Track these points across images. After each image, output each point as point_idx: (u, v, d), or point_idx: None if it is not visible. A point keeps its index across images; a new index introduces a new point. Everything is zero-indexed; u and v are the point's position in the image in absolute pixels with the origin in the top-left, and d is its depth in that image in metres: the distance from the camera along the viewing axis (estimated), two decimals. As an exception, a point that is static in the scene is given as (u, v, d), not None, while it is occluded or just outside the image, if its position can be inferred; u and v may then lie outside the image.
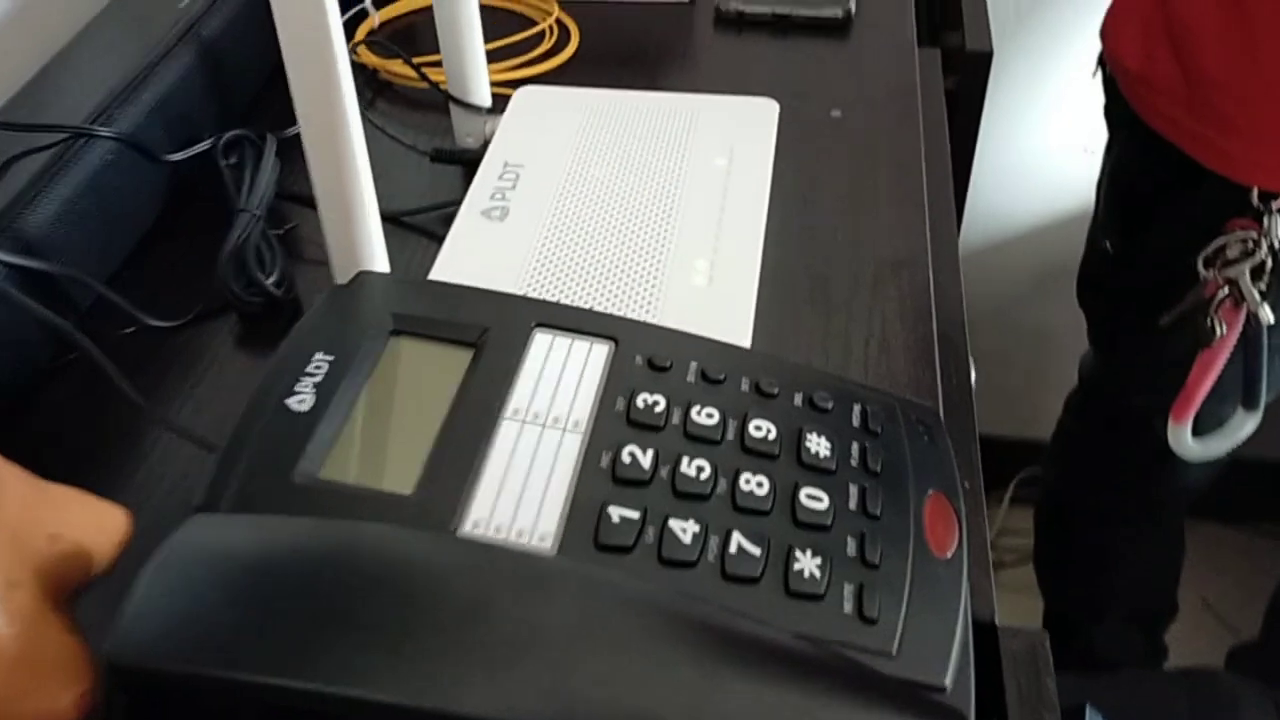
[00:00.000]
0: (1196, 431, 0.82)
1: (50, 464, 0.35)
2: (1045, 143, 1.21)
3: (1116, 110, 0.84)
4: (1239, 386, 0.79)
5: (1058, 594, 1.15)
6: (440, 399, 0.38)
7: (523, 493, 0.36)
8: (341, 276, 0.46)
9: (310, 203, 0.46)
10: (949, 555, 0.37)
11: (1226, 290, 0.75)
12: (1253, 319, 0.75)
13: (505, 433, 0.37)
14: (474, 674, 0.29)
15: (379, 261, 0.46)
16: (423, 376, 0.40)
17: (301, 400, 0.38)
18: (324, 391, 0.38)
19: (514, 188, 0.54)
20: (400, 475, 0.36)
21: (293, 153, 0.56)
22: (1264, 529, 1.46)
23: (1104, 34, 0.84)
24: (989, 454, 1.50)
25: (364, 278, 0.43)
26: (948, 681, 0.33)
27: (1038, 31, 1.15)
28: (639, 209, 0.52)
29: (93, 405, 0.47)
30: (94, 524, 0.35)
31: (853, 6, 0.71)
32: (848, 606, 0.34)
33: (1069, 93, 1.16)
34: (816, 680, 0.32)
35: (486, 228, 0.51)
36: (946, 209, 0.59)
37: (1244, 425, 0.81)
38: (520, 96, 0.60)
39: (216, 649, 0.29)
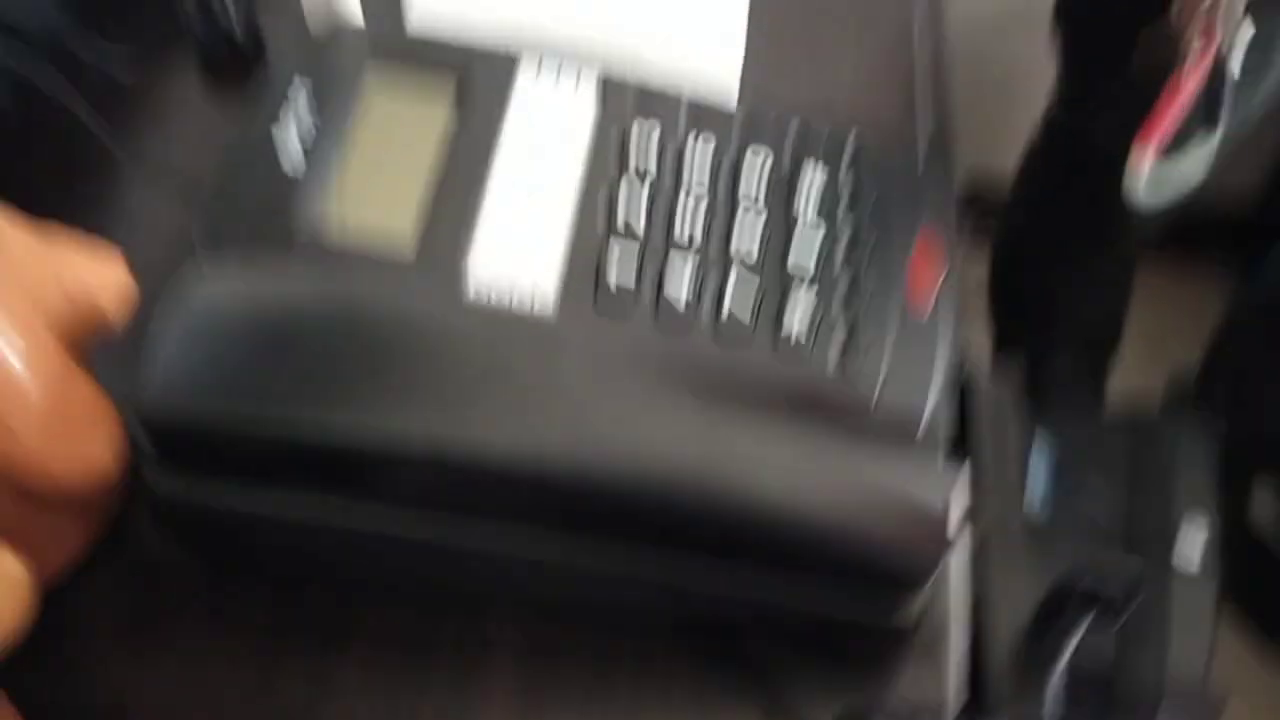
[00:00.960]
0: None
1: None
2: None
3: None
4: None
5: (1009, 327, 1.20)
6: (425, 151, 0.38)
7: (519, 251, 0.36)
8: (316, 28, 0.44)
9: None
10: (934, 299, 0.38)
11: (1208, 3, 0.74)
12: (1228, 37, 0.75)
13: (496, 187, 0.37)
14: (498, 417, 0.31)
15: (353, 13, 0.45)
16: (405, 127, 0.39)
17: (286, 149, 0.37)
18: (309, 143, 0.37)
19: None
20: (398, 236, 0.36)
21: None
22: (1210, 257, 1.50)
23: None
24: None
25: (336, 32, 0.42)
26: (920, 433, 0.35)
27: None
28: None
29: (61, 151, 0.46)
30: (97, 275, 0.35)
31: None
32: (832, 361, 0.36)
33: None
34: (803, 424, 0.34)
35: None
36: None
37: (1204, 145, 0.82)
38: None
39: (247, 393, 0.30)
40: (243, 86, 0.45)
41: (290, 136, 0.37)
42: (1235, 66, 0.76)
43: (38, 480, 0.32)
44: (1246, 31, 0.73)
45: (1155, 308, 1.37)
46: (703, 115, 0.39)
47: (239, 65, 0.50)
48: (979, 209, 1.47)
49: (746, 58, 0.47)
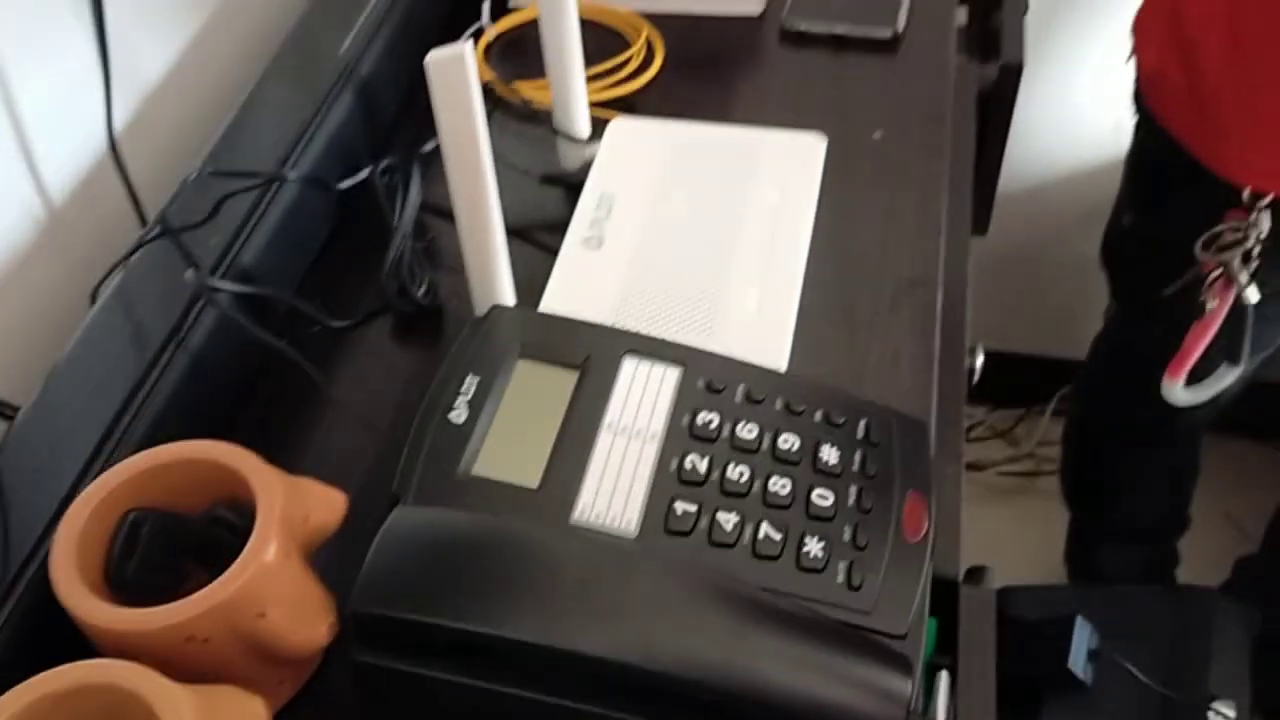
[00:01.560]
0: (1190, 380, 0.94)
1: (265, 446, 0.51)
2: (1083, 113, 1.30)
3: (1139, 100, 0.94)
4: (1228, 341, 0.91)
5: (1078, 509, 1.30)
6: (555, 413, 0.54)
7: (615, 488, 0.51)
8: (480, 307, 0.61)
9: (444, 213, 0.60)
10: (920, 538, 0.52)
11: (1220, 271, 0.87)
12: (1240, 296, 0.87)
13: (602, 442, 0.53)
14: (587, 623, 0.45)
15: (507, 295, 0.61)
16: (543, 394, 0.55)
17: (458, 414, 0.53)
18: (474, 407, 0.54)
19: (608, 217, 0.68)
20: (530, 472, 0.51)
21: (430, 168, 0.71)
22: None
23: (1133, 29, 0.93)
24: (1033, 372, 1.68)
25: (497, 312, 0.58)
26: (906, 630, 0.49)
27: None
28: (705, 240, 0.66)
29: (290, 393, 0.63)
30: (325, 504, 0.51)
31: (901, 27, 0.82)
32: (840, 578, 0.49)
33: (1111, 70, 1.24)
34: (814, 630, 0.48)
35: (585, 255, 0.66)
36: (962, 234, 0.71)
37: (1226, 377, 0.93)
38: (614, 128, 0.73)
39: (422, 600, 0.45)
40: (426, 336, 0.63)
41: (462, 411, 0.53)
42: (1252, 310, 0.88)
43: (279, 648, 0.47)
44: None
45: (1225, 486, 1.44)
46: (752, 402, 0.54)
47: (424, 319, 0.67)
48: (1060, 380, 1.58)
49: (796, 332, 0.62)
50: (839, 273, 0.67)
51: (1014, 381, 1.44)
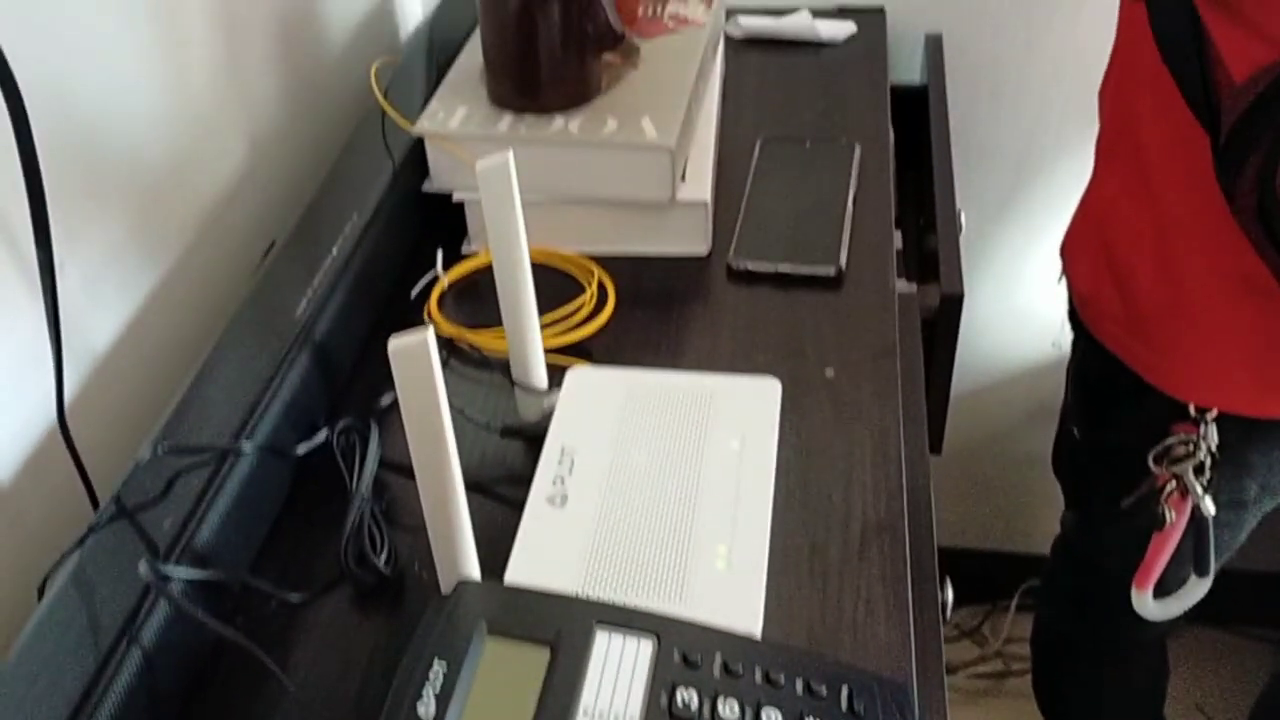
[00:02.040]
0: (1158, 591, 0.94)
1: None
2: (1022, 325, 1.35)
3: (1075, 318, 0.98)
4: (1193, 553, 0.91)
5: (1052, 716, 1.27)
6: (528, 700, 0.52)
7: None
8: (444, 580, 0.59)
9: (403, 470, 0.59)
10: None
11: (1174, 484, 0.88)
12: (1197, 508, 0.88)
13: (580, 716, 0.50)
14: None
15: (472, 566, 0.60)
16: (514, 678, 0.53)
17: (426, 707, 0.51)
18: (442, 698, 0.51)
19: (570, 473, 0.67)
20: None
21: (387, 423, 0.71)
22: (1253, 633, 1.56)
23: (1062, 253, 0.97)
24: (996, 568, 1.67)
25: (461, 588, 0.57)
26: None
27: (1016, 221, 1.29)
28: (669, 495, 0.65)
29: (246, 680, 0.60)
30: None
31: (843, 264, 0.85)
32: None
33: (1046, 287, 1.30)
34: None
35: (549, 514, 0.65)
36: (922, 467, 0.72)
37: (1197, 589, 0.93)
38: (571, 379, 0.74)
39: None
40: (388, 606, 0.61)
41: (429, 704, 0.50)
42: (1211, 522, 0.88)
43: None
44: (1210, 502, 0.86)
45: (1195, 677, 1.43)
46: (731, 675, 0.53)
47: (384, 589, 0.65)
48: (1022, 575, 1.57)
49: (768, 587, 0.61)
50: (805, 520, 0.67)
51: (977, 577, 1.43)
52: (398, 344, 0.51)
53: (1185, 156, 0.77)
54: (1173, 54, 0.76)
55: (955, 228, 0.96)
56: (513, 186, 0.63)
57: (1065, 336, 1.02)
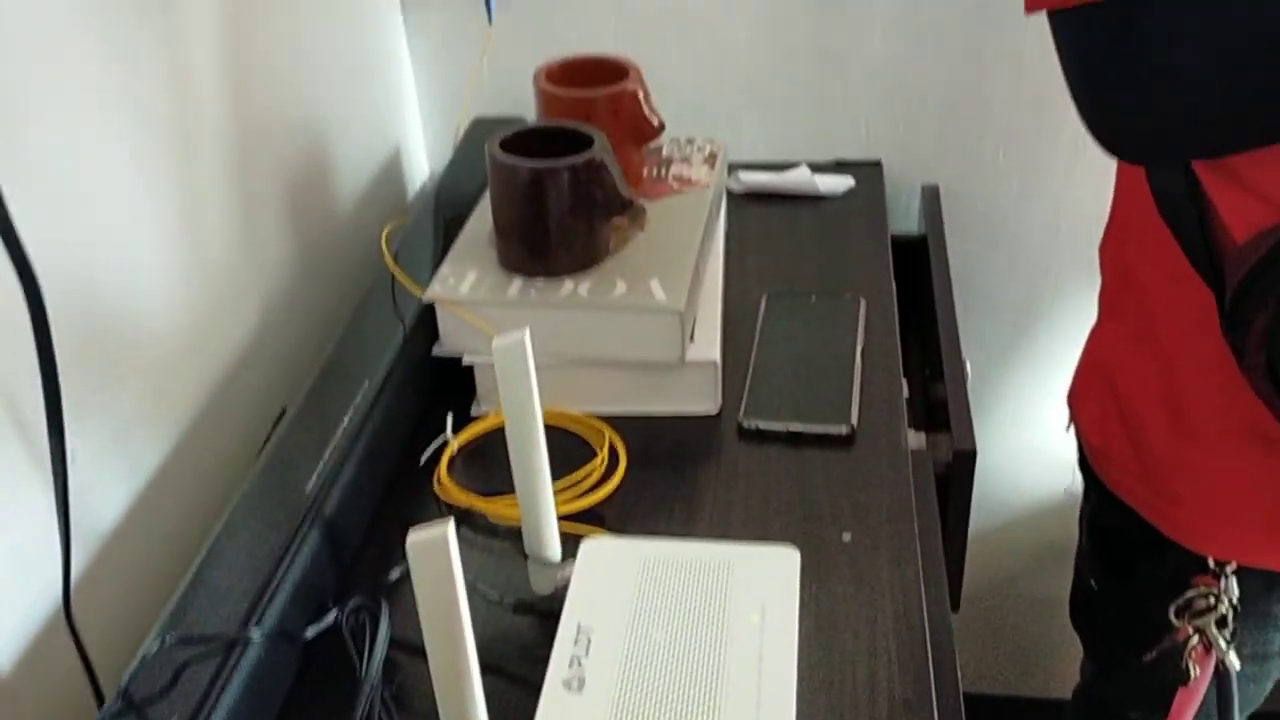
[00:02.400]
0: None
1: None
2: (1035, 470, 1.34)
3: (1086, 467, 0.97)
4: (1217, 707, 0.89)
5: None
6: None
7: None
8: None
9: (414, 649, 0.57)
10: None
11: (1197, 638, 0.86)
12: (1221, 662, 0.85)
13: None
14: None
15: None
16: None
17: None
18: None
19: (587, 654, 0.65)
20: None
21: (396, 599, 0.69)
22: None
23: (1069, 401, 0.97)
24: (1013, 714, 1.61)
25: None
26: None
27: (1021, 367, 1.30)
28: (690, 678, 0.63)
29: None
30: None
31: (854, 421, 0.85)
32: None
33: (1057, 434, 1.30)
34: None
35: (567, 700, 0.63)
36: (945, 634, 0.70)
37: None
38: (586, 551, 0.72)
39: None
40: None
41: None
42: (1236, 677, 0.86)
43: None
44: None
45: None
46: None
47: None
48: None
49: None
50: (831, 702, 0.65)
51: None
52: (417, 539, 0.50)
53: (1191, 311, 0.77)
54: (1172, 213, 0.77)
55: (962, 378, 0.96)
56: (529, 364, 0.63)
57: (1077, 483, 1.01)
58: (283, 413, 0.87)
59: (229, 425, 0.86)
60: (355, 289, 1.01)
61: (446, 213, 1.11)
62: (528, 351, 0.62)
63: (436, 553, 0.50)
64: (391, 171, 1.21)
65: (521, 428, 0.65)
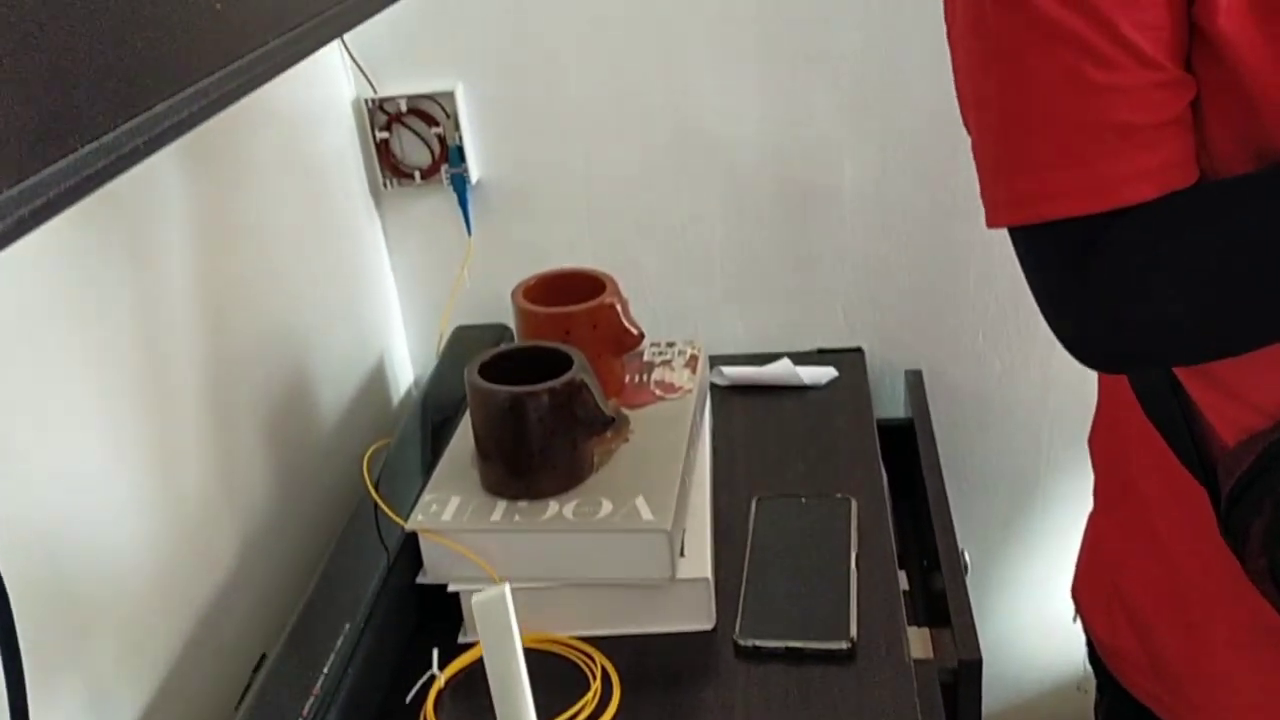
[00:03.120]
0: None
1: None
2: (1046, 661, 1.31)
3: (1097, 663, 0.94)
4: None
5: None
6: None
7: None
8: None
9: None
10: None
11: None
12: None
13: None
14: None
15: None
16: None
17: None
18: None
19: None
20: None
21: None
22: None
23: (1074, 596, 0.95)
24: None
25: None
26: None
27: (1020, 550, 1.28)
28: None
29: None
30: None
31: (854, 635, 0.82)
32: None
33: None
34: None
35: None
36: None
37: None
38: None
39: None
40: None
41: None
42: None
43: None
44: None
45: None
46: None
47: None
48: None
49: None
50: None
51: None
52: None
53: (1189, 511, 0.76)
54: (1157, 412, 0.76)
55: (960, 571, 0.94)
56: (510, 619, 0.61)
57: (1089, 678, 0.98)
58: (262, 659, 0.84)
59: (207, 675, 0.83)
60: (338, 515, 0.99)
61: (433, 419, 1.10)
62: (509, 607, 0.60)
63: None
64: (375, 382, 1.21)
65: (505, 682, 0.63)
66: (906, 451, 1.13)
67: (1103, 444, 0.87)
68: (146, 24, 0.45)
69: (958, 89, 0.72)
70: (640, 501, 0.85)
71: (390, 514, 0.89)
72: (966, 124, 0.71)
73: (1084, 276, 0.63)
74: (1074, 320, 0.66)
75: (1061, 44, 0.59)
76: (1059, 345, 0.70)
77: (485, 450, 0.88)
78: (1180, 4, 0.58)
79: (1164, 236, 0.61)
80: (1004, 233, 0.65)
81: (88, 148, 0.40)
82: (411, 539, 0.88)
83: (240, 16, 0.53)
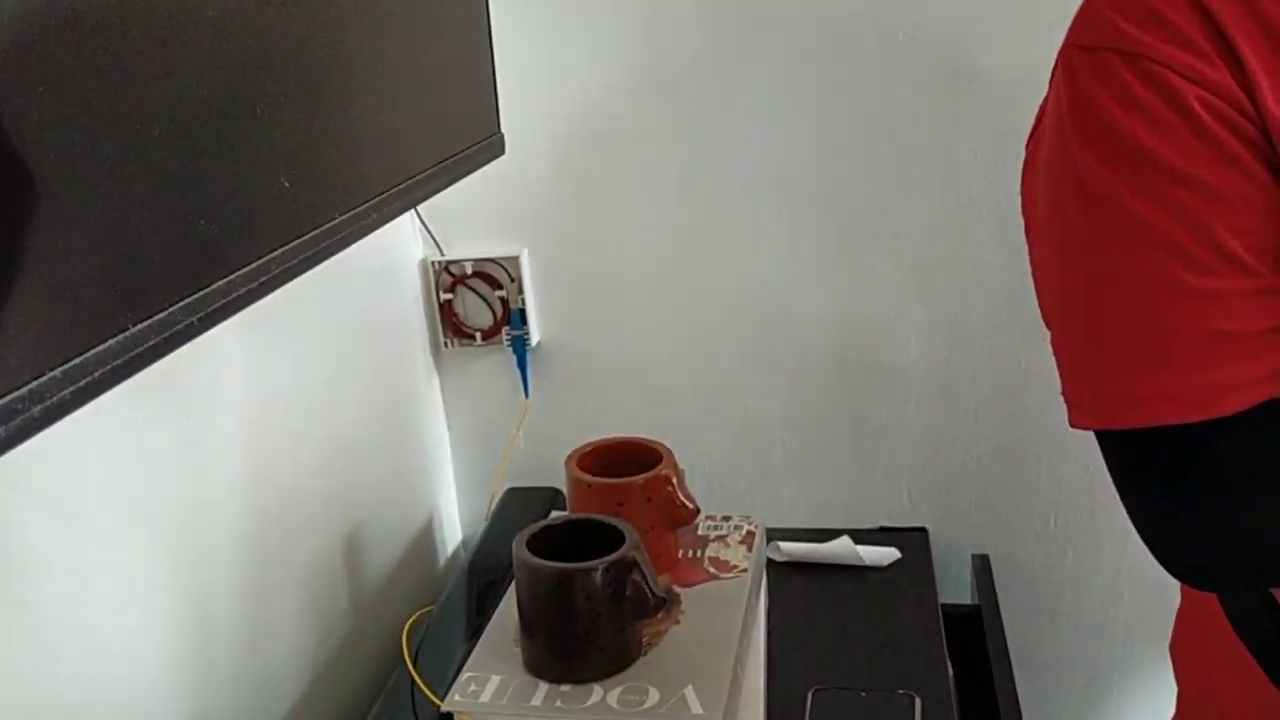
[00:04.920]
0: None
1: None
2: None
3: None
4: None
5: None
6: None
7: None
8: None
9: None
10: None
11: None
12: None
13: None
14: None
15: None
16: None
17: None
18: None
19: None
20: None
21: None
22: None
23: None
24: None
25: None
26: None
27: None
28: None
29: None
30: None
31: None
32: None
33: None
34: None
35: None
36: None
37: None
38: None
39: None
40: None
41: None
42: None
43: None
44: None
45: None
46: None
47: None
48: None
49: None
50: None
51: None
52: None
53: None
54: (1250, 634, 0.71)
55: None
56: (545, 829, 0.56)
57: None
58: None
59: None
60: (376, 685, 0.96)
61: (480, 583, 1.07)
62: (545, 815, 0.56)
63: None
64: (423, 542, 1.18)
65: None
66: (971, 639, 1.07)
67: (1184, 651, 0.82)
68: (215, 204, 0.45)
69: (1036, 282, 0.69)
70: (689, 692, 0.80)
71: (427, 692, 0.85)
72: (1045, 317, 0.69)
73: (1178, 487, 0.59)
74: (1164, 530, 0.62)
75: (1153, 246, 0.56)
76: (1134, 534, 0.66)
77: (530, 628, 0.84)
78: (1275, 210, 0.55)
79: (1266, 450, 0.57)
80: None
81: (140, 326, 0.39)
82: (448, 718, 0.84)
83: (310, 194, 0.53)
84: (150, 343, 0.41)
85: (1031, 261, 0.70)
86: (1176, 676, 0.83)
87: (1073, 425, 0.65)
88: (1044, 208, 0.65)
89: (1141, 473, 0.61)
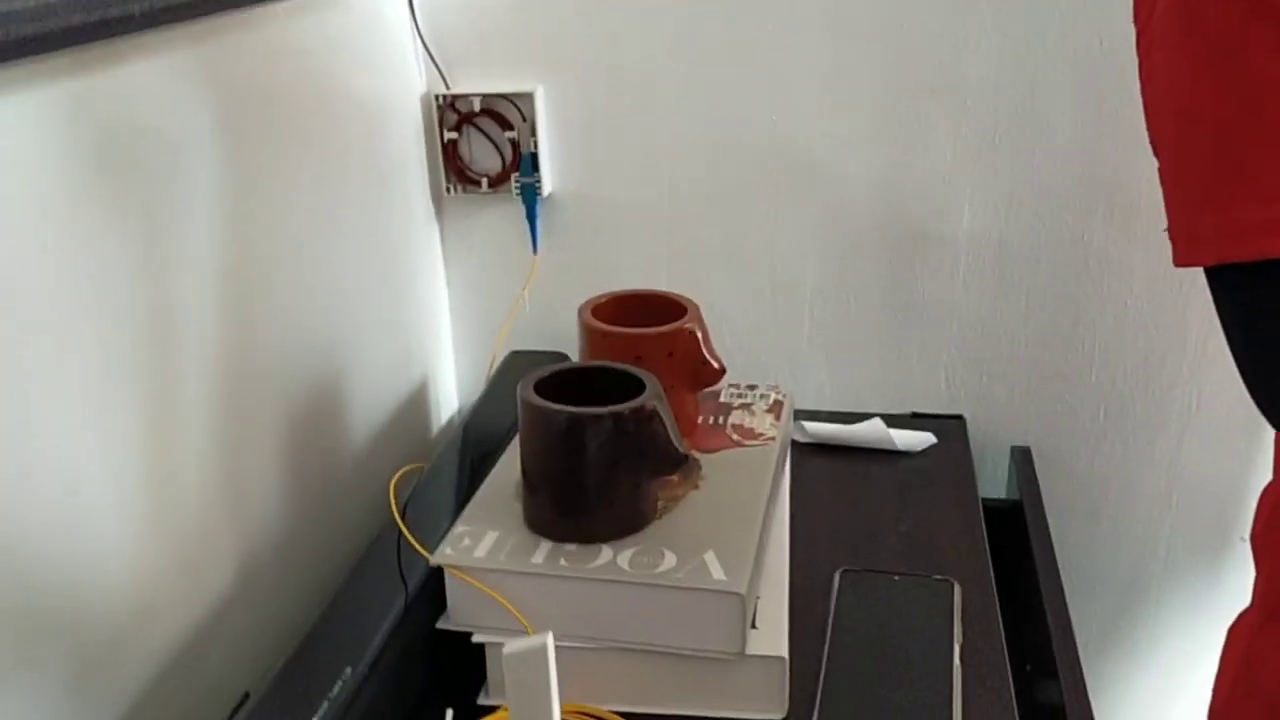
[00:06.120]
0: None
1: None
2: None
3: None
4: None
5: None
6: None
7: None
8: None
9: None
10: None
11: None
12: None
13: None
14: None
15: None
16: None
17: None
18: None
19: None
20: None
21: None
22: None
23: (1215, 722, 0.79)
24: None
25: None
26: None
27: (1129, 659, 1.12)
28: None
29: None
30: None
31: (957, 746, 0.67)
32: None
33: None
34: None
35: None
36: None
37: None
38: None
39: None
40: None
41: None
42: None
43: None
44: None
45: None
46: None
47: None
48: None
49: None
50: None
51: None
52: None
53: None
54: None
55: (1084, 689, 0.78)
56: (550, 680, 0.47)
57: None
58: (245, 698, 0.71)
59: (179, 711, 0.70)
60: (357, 543, 0.87)
61: (475, 450, 0.98)
62: (549, 663, 0.47)
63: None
64: (415, 405, 1.09)
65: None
66: (1007, 537, 0.99)
67: (1272, 543, 0.73)
68: None
69: (1147, 103, 0.60)
70: (710, 557, 0.71)
71: (414, 543, 0.76)
72: (1155, 143, 0.59)
73: None
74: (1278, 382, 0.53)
75: None
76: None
77: (533, 481, 0.75)
78: None
79: None
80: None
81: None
82: (436, 576, 0.74)
83: None
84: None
85: (1141, 79, 0.61)
86: (1258, 569, 0.74)
87: (1179, 264, 0.56)
88: (1166, 8, 0.56)
89: (1264, 314, 0.53)
